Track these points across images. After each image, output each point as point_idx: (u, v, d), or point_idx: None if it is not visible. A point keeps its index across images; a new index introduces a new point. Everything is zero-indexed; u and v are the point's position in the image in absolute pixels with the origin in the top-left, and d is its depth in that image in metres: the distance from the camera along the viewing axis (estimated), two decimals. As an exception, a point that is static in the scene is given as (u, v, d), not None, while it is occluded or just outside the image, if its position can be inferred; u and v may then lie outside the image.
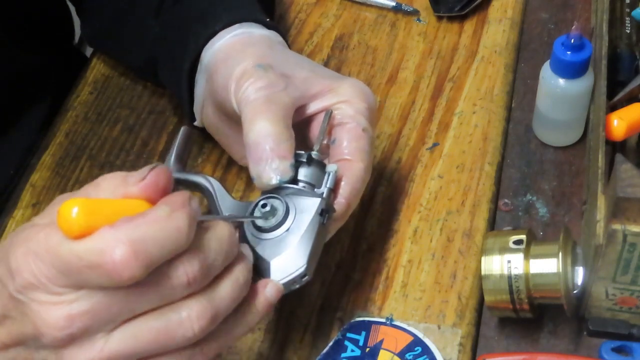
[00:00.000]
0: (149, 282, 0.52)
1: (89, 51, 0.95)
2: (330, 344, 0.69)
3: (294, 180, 0.63)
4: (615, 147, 0.74)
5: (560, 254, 0.66)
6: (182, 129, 0.70)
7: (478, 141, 0.82)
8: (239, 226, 0.63)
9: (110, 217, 0.52)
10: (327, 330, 0.71)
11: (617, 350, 0.67)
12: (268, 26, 0.74)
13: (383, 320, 0.70)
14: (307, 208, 0.62)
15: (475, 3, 0.92)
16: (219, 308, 0.56)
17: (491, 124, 0.84)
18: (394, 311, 0.71)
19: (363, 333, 0.70)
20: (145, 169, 0.55)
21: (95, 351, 0.53)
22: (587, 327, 0.68)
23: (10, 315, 0.54)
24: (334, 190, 0.64)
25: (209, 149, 0.82)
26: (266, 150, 0.62)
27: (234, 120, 0.69)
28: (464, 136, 0.83)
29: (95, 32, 0.89)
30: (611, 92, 0.75)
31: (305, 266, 0.60)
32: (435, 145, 0.82)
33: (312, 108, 0.68)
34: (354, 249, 0.75)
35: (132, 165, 0.82)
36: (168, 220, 0.52)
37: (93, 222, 0.51)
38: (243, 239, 0.62)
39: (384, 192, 0.79)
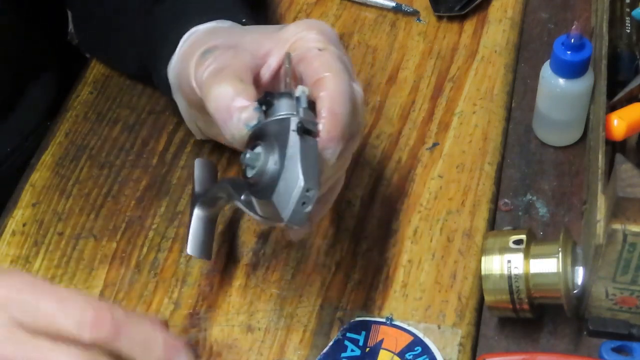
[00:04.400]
0: None
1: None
2: (330, 344, 0.69)
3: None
4: (615, 147, 0.74)
5: (560, 253, 0.66)
6: (195, 162, 0.69)
7: (478, 141, 0.82)
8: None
9: None
10: (327, 330, 0.71)
11: (617, 350, 0.67)
12: (220, 17, 0.74)
13: (383, 320, 0.70)
14: (283, 132, 0.60)
15: (475, 3, 0.92)
16: None
17: (491, 123, 0.84)
18: (394, 311, 0.71)
19: (363, 333, 0.70)
20: None
21: None
22: (587, 327, 0.68)
23: None
24: (316, 110, 0.62)
25: (209, 149, 0.82)
26: (225, 109, 0.62)
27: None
28: (464, 136, 0.83)
29: (88, 41, 0.89)
30: (611, 92, 0.74)
31: (302, 179, 0.58)
32: (435, 145, 0.82)
33: (272, 65, 0.67)
34: (354, 249, 0.75)
35: (132, 165, 0.82)
36: None
37: None
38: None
39: (384, 192, 0.79)
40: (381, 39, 0.92)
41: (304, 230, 0.67)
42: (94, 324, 0.54)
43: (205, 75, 0.65)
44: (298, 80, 0.65)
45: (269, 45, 0.67)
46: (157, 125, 0.85)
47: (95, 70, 0.90)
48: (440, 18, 0.93)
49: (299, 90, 0.62)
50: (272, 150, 0.60)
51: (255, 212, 0.63)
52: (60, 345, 0.54)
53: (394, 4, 0.93)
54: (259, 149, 0.61)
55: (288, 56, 0.65)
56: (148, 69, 0.79)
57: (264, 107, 0.62)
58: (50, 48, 0.95)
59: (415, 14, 0.93)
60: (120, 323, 0.55)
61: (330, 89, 0.62)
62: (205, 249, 0.70)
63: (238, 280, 0.74)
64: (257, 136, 0.61)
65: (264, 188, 0.60)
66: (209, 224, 0.71)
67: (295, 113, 0.61)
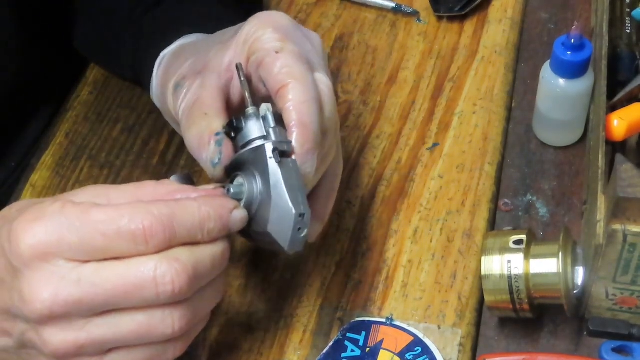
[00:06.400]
0: (135, 283, 0.54)
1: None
2: (330, 344, 0.69)
3: (244, 145, 0.61)
4: (615, 147, 0.74)
5: (560, 254, 0.66)
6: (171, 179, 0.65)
7: (478, 141, 0.82)
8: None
9: None
10: (327, 330, 0.71)
11: (618, 350, 0.67)
12: (196, 31, 0.74)
13: (383, 320, 0.70)
14: (261, 160, 0.60)
15: (476, 3, 0.92)
16: (199, 313, 0.58)
17: (491, 124, 0.84)
18: (394, 311, 0.71)
19: (363, 333, 0.69)
20: None
21: (73, 334, 0.55)
22: (588, 327, 0.68)
23: (3, 278, 0.55)
24: (283, 122, 0.61)
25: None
26: (197, 150, 0.63)
27: None
28: (464, 136, 0.83)
29: (83, 44, 0.89)
30: (611, 92, 0.74)
31: (292, 207, 0.58)
32: (435, 145, 0.82)
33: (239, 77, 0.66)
34: (354, 249, 0.75)
35: (132, 165, 0.82)
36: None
37: None
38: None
39: (384, 192, 0.79)
40: (381, 39, 0.92)
41: (318, 229, 0.68)
42: (149, 237, 0.54)
43: (180, 115, 0.66)
44: (260, 86, 0.64)
45: (230, 54, 0.66)
46: (157, 125, 0.85)
47: (95, 70, 0.90)
48: (440, 18, 0.93)
49: (263, 109, 0.61)
50: (254, 180, 0.61)
51: (249, 237, 0.63)
52: (133, 260, 0.55)
53: (394, 5, 0.93)
54: (239, 180, 0.61)
55: (239, 68, 0.64)
56: (140, 81, 0.79)
57: (232, 134, 0.62)
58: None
59: (415, 14, 0.93)
60: (170, 220, 0.55)
61: (294, 99, 0.60)
62: None
63: (238, 280, 0.74)
64: (235, 167, 0.62)
65: (255, 218, 0.61)
66: None
67: (265, 134, 0.61)
